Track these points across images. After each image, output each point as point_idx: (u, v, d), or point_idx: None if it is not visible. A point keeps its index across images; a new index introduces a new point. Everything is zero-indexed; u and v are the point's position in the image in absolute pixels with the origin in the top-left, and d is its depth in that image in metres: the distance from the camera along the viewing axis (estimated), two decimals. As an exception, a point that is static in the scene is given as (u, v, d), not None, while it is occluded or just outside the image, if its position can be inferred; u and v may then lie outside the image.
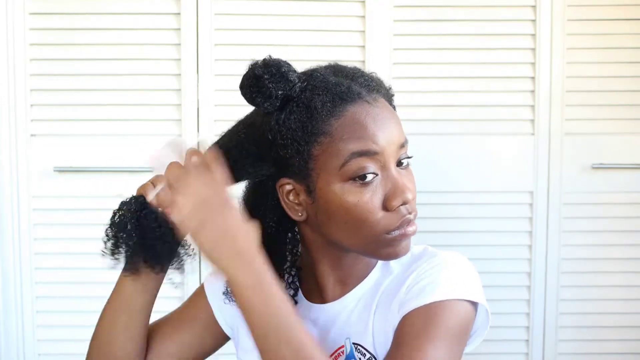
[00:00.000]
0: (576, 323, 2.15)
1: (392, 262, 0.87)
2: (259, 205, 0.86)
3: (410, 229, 0.81)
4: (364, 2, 2.03)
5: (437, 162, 2.06)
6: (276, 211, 0.85)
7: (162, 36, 2.04)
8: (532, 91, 2.08)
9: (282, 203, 0.83)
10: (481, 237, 2.12)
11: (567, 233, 2.11)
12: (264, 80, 0.78)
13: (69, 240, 2.07)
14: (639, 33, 2.07)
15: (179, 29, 2.02)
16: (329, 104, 0.78)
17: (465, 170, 2.09)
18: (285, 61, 0.80)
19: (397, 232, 0.80)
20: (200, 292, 0.98)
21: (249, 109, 0.90)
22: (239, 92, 0.81)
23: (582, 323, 2.15)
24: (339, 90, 0.79)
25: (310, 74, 0.82)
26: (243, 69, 0.81)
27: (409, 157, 0.83)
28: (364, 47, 2.04)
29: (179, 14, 2.02)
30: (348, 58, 1.99)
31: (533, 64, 2.07)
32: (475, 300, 0.80)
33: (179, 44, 2.02)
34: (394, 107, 0.86)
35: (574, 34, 2.06)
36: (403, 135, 0.82)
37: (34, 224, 2.06)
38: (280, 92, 0.78)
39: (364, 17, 2.04)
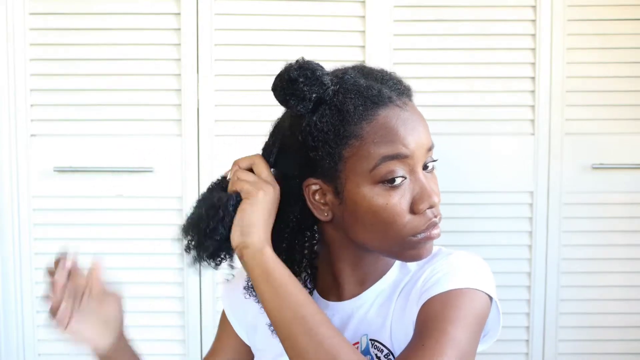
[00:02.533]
0: (576, 323, 2.15)
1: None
2: (283, 203, 0.86)
3: (435, 232, 0.82)
4: (364, 2, 2.03)
5: (437, 162, 2.06)
6: (299, 210, 0.86)
7: (162, 36, 2.03)
8: (532, 91, 2.08)
9: (308, 202, 0.84)
10: (481, 237, 2.12)
11: (567, 233, 2.11)
12: (299, 84, 0.79)
13: (69, 241, 2.06)
14: (639, 33, 2.08)
15: (179, 29, 2.02)
16: (361, 108, 0.79)
17: (465, 170, 2.09)
18: (319, 64, 0.81)
19: (422, 235, 0.81)
20: (223, 319, 1.00)
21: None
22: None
23: (582, 323, 2.15)
24: (370, 94, 0.80)
25: (341, 77, 0.83)
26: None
27: (434, 161, 0.85)
28: (364, 47, 2.04)
29: (179, 14, 2.02)
30: (348, 58, 1.99)
31: (533, 64, 2.07)
32: (490, 294, 0.83)
33: (179, 44, 2.02)
34: None
35: (574, 34, 2.06)
36: (430, 138, 0.83)
37: (34, 224, 2.06)
38: (314, 95, 0.79)
39: (364, 17, 2.03)
